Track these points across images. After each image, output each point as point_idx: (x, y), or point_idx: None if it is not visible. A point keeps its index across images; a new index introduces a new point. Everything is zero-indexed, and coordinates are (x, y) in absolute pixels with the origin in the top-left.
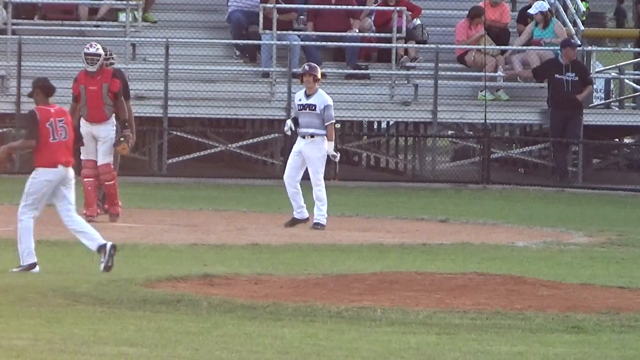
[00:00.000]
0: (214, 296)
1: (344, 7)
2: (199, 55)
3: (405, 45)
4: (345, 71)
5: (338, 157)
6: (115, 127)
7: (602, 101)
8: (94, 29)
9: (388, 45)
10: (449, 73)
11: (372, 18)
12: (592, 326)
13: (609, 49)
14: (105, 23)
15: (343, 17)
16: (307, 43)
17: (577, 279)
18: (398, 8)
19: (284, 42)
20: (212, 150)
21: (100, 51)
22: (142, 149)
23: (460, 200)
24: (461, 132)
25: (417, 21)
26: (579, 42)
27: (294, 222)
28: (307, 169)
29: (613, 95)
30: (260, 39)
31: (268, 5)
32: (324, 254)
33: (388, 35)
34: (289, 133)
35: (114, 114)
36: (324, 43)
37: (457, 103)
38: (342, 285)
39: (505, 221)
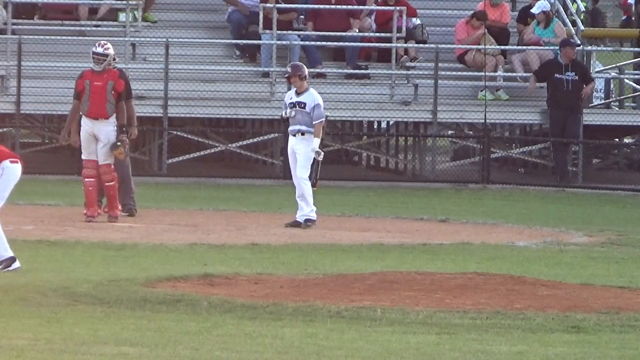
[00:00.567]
0: (214, 296)
1: (344, 7)
2: (199, 55)
3: (405, 45)
4: (345, 71)
5: (322, 156)
6: (115, 129)
7: (602, 101)
8: (94, 29)
9: (388, 45)
10: (449, 73)
11: (372, 18)
12: (592, 326)
13: (609, 49)
14: (105, 23)
15: (343, 17)
16: (307, 43)
17: (577, 279)
18: (398, 8)
19: (284, 42)
20: (212, 150)
21: (109, 52)
22: (142, 149)
23: (460, 200)
24: (461, 132)
25: (417, 21)
26: (578, 42)
27: (296, 223)
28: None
29: (613, 95)
30: (260, 39)
31: (268, 5)
32: (324, 254)
33: (388, 35)
34: (320, 155)
35: (114, 115)
36: (324, 43)
37: (457, 103)
38: (342, 285)
39: (505, 221)
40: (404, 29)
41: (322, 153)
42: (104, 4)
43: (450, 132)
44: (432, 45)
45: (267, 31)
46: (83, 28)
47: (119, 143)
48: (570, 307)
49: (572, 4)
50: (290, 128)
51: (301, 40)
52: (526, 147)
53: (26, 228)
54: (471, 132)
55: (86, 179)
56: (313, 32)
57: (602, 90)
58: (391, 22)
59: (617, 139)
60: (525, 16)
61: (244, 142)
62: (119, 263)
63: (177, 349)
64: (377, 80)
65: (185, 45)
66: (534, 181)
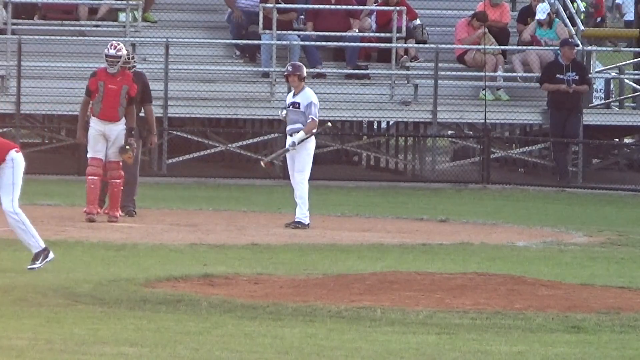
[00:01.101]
0: (214, 296)
1: (344, 7)
2: (199, 55)
3: (405, 45)
4: (345, 71)
5: (292, 149)
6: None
7: (602, 101)
8: (94, 29)
9: (388, 45)
10: (449, 73)
11: (372, 18)
12: (592, 326)
13: (609, 49)
14: (105, 23)
15: (343, 17)
16: (307, 43)
17: (577, 279)
18: (398, 8)
19: (284, 42)
20: (212, 150)
21: (121, 52)
22: (142, 149)
23: (460, 200)
24: (461, 132)
25: (417, 21)
26: (578, 42)
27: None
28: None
29: (613, 95)
30: (260, 39)
31: (268, 5)
32: (324, 254)
33: (388, 35)
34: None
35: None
36: (324, 43)
37: (457, 103)
38: (342, 285)
39: (505, 221)
40: (404, 29)
41: (295, 146)
42: (104, 4)
43: (450, 132)
44: (432, 45)
45: (267, 31)
46: (83, 28)
47: (127, 147)
48: (570, 307)
49: (572, 4)
50: (287, 128)
51: (301, 41)
52: (526, 147)
53: None
54: (471, 132)
55: (89, 177)
56: (313, 32)
57: (602, 90)
58: (391, 22)
59: (617, 139)
60: (525, 16)
61: (244, 142)
62: (119, 263)
63: (177, 349)
64: (377, 80)
65: (185, 45)
66: (534, 181)
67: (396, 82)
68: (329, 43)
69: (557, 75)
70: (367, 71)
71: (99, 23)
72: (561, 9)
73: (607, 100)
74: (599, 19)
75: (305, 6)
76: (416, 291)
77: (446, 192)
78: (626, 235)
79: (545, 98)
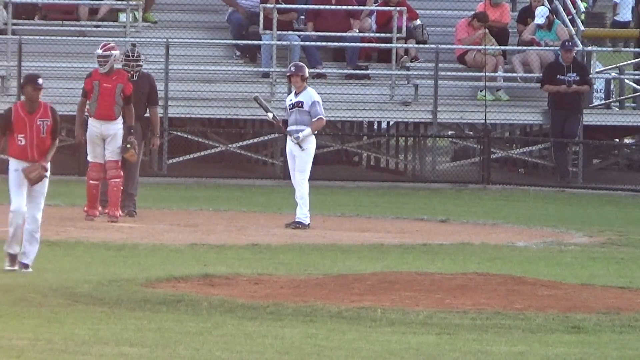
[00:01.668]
0: (214, 296)
1: (344, 7)
2: (199, 55)
3: (405, 45)
4: (345, 71)
5: (297, 139)
6: (122, 127)
7: (602, 101)
8: (94, 29)
9: (388, 45)
10: (449, 73)
11: (372, 18)
12: (592, 326)
13: (609, 49)
14: (105, 23)
15: (343, 17)
16: (307, 43)
17: (577, 279)
18: (398, 8)
19: (284, 42)
20: (212, 150)
21: (110, 52)
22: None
23: (460, 200)
24: (461, 132)
25: (417, 21)
26: (578, 44)
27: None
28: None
29: (613, 95)
30: (260, 39)
31: (268, 5)
32: (324, 254)
33: (388, 35)
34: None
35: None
36: (324, 43)
37: (457, 103)
38: (342, 285)
39: (505, 221)
40: (404, 29)
41: (299, 139)
42: (104, 4)
43: (450, 132)
44: (432, 46)
45: (267, 31)
46: (83, 28)
47: (128, 145)
48: (570, 307)
49: (573, 5)
50: (289, 129)
51: (301, 41)
52: (526, 148)
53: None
54: (471, 133)
55: (91, 181)
56: (313, 33)
57: (602, 91)
58: (391, 22)
59: (617, 139)
60: (525, 16)
61: (244, 143)
62: (119, 263)
63: (177, 349)
64: (377, 80)
65: (186, 46)
66: (534, 181)
67: (396, 82)
68: (329, 43)
69: (558, 76)
70: (367, 71)
71: (99, 23)
72: (561, 10)
73: (607, 101)
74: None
75: (305, 6)
76: (416, 291)
77: (446, 192)
78: (626, 235)
79: (545, 98)
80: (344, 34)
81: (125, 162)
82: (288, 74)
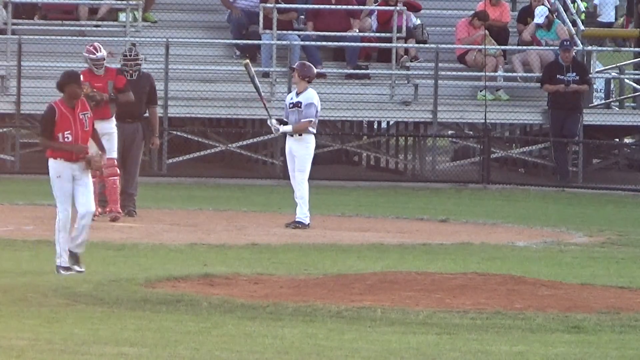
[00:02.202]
0: (214, 296)
1: (344, 7)
2: (199, 55)
3: (405, 45)
4: (345, 71)
5: (277, 131)
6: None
7: (602, 101)
8: (94, 29)
9: (388, 45)
10: (449, 73)
11: (372, 18)
12: (592, 326)
13: (609, 49)
14: (105, 23)
15: (343, 17)
16: (307, 43)
17: (577, 279)
18: (398, 8)
19: (284, 42)
20: (212, 150)
21: (103, 53)
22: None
23: (460, 200)
24: (461, 132)
25: (417, 21)
26: (578, 43)
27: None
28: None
29: (613, 95)
30: (260, 39)
31: (268, 5)
32: (324, 254)
33: (388, 35)
34: (277, 132)
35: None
36: (324, 43)
37: (457, 103)
38: (342, 285)
39: (505, 221)
40: (404, 29)
41: (278, 131)
42: (104, 4)
43: (450, 132)
44: (432, 45)
45: (267, 31)
46: (83, 28)
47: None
48: (570, 307)
49: (573, 4)
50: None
51: (301, 40)
52: (526, 147)
53: (26, 228)
54: (471, 132)
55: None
56: (313, 32)
57: (602, 90)
58: (392, 20)
59: (617, 139)
60: (525, 16)
61: (244, 142)
62: (119, 263)
63: (177, 349)
64: (377, 80)
65: (185, 45)
66: (534, 181)
67: (396, 82)
68: (329, 43)
69: (558, 76)
70: (367, 71)
71: (99, 23)
72: (561, 9)
73: (607, 100)
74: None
75: (305, 6)
76: (416, 291)
77: (446, 192)
78: (626, 235)
79: (545, 98)
80: (344, 34)
81: (125, 162)
82: (291, 66)
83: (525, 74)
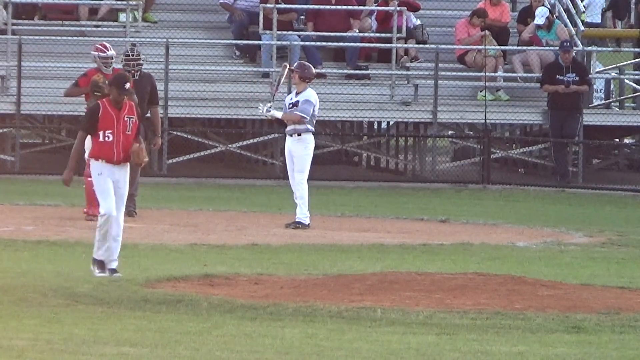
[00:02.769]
0: (214, 296)
1: (344, 7)
2: (199, 55)
3: (405, 45)
4: (345, 71)
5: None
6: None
7: (602, 101)
8: (94, 29)
9: (388, 45)
10: (449, 73)
11: (372, 18)
12: (592, 326)
13: (609, 49)
14: (105, 23)
15: (343, 17)
16: (307, 43)
17: (577, 279)
18: (398, 8)
19: (284, 42)
20: (212, 150)
21: (113, 52)
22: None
23: (460, 200)
24: (461, 132)
25: (417, 21)
26: (578, 44)
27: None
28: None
29: (613, 95)
30: (260, 39)
31: (268, 5)
32: (324, 254)
33: (388, 35)
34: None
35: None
36: (324, 43)
37: (457, 103)
38: (342, 285)
39: (505, 221)
40: (404, 29)
41: (269, 113)
42: (104, 4)
43: (450, 132)
44: (432, 46)
45: (267, 31)
46: (83, 28)
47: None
48: (570, 307)
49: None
50: (287, 128)
51: (301, 41)
52: (526, 148)
53: (26, 228)
54: (471, 133)
55: (88, 178)
56: (313, 33)
57: (602, 91)
58: (392, 20)
59: (617, 139)
60: (525, 16)
61: (244, 143)
62: (119, 263)
63: (177, 349)
64: (377, 80)
65: (186, 46)
66: (534, 181)
67: (396, 82)
68: (329, 43)
69: (557, 77)
70: (367, 71)
71: (99, 23)
72: (561, 9)
73: (607, 101)
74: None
75: (305, 6)
76: (416, 291)
77: (446, 192)
78: (626, 235)
79: (545, 98)
80: (344, 34)
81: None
82: (290, 68)
83: (525, 74)
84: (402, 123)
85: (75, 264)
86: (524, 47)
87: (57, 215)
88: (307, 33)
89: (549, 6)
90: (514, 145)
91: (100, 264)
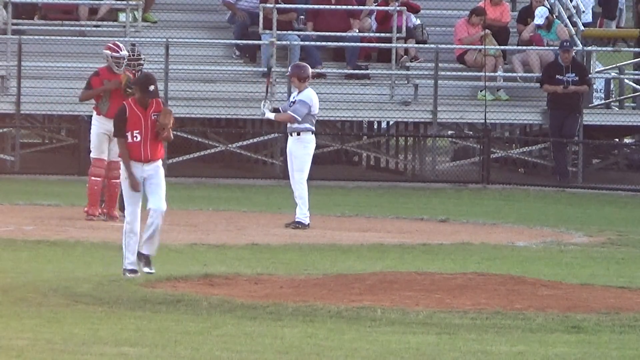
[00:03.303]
0: (214, 296)
1: (344, 7)
2: (199, 55)
3: (405, 45)
4: (345, 71)
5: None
6: None
7: (602, 101)
8: (94, 29)
9: (388, 45)
10: (449, 73)
11: (372, 17)
12: (592, 326)
13: (609, 49)
14: (105, 23)
15: (343, 17)
16: (307, 43)
17: (577, 279)
18: (398, 8)
19: (284, 42)
20: (212, 150)
21: (125, 52)
22: None
23: (460, 200)
24: (461, 132)
25: (417, 21)
26: (577, 44)
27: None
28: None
29: (613, 95)
30: (260, 39)
31: (268, 5)
32: (324, 254)
33: (388, 35)
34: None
35: None
36: (324, 43)
37: (457, 103)
38: (342, 285)
39: (505, 221)
40: (404, 29)
41: (264, 115)
42: (104, 4)
43: (450, 132)
44: (432, 45)
45: (267, 31)
46: (83, 28)
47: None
48: (570, 307)
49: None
50: (288, 127)
51: (301, 41)
52: (526, 147)
53: (26, 228)
54: (471, 132)
55: (92, 177)
56: (313, 32)
57: (602, 91)
58: (391, 19)
59: (617, 139)
60: (525, 16)
61: (244, 142)
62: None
63: (177, 349)
64: (377, 80)
65: (186, 46)
66: (534, 181)
67: (396, 82)
68: (329, 43)
69: (557, 76)
70: (367, 71)
71: (99, 23)
72: (561, 9)
73: (607, 101)
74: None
75: (305, 6)
76: (416, 291)
77: (446, 192)
78: (626, 235)
79: (545, 98)
80: (343, 34)
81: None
82: (287, 74)
83: (525, 74)
84: (402, 123)
85: (75, 264)
86: (524, 47)
87: (57, 215)
88: (307, 33)
89: (548, 6)
90: (513, 145)
91: (147, 260)
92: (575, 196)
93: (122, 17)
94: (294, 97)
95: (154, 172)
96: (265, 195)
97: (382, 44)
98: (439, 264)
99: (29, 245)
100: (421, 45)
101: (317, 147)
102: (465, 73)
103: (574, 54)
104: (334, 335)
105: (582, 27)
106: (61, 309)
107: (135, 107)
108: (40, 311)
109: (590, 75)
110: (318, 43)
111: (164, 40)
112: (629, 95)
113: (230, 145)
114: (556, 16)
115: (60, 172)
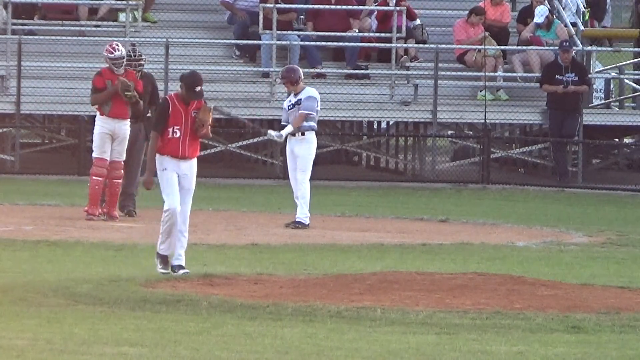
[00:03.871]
0: (214, 296)
1: (344, 7)
2: (199, 55)
3: (405, 45)
4: (345, 71)
5: (279, 137)
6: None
7: (602, 101)
8: (94, 29)
9: (388, 45)
10: (448, 73)
11: (372, 17)
12: (592, 326)
13: (609, 49)
14: (105, 23)
15: (343, 17)
16: (307, 43)
17: (577, 279)
18: (398, 8)
19: (284, 42)
20: (212, 150)
21: (122, 52)
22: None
23: (460, 200)
24: (461, 132)
25: (417, 21)
26: (577, 44)
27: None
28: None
29: (613, 95)
30: (260, 39)
31: (268, 5)
32: (324, 254)
33: (388, 35)
34: (281, 138)
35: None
36: (324, 43)
37: (457, 103)
38: (342, 285)
39: (505, 221)
40: (404, 29)
41: (282, 137)
42: (104, 4)
43: (450, 132)
44: (432, 45)
45: (267, 31)
46: (83, 28)
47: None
48: (570, 307)
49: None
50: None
51: (301, 41)
52: (526, 147)
53: (26, 228)
54: (471, 132)
55: (94, 177)
56: (313, 32)
57: (602, 91)
58: (391, 20)
59: (617, 139)
60: (525, 16)
61: (244, 142)
62: (119, 263)
63: (177, 349)
64: (377, 80)
65: (185, 46)
66: (534, 181)
67: (396, 82)
68: (329, 43)
69: (557, 76)
70: (367, 71)
71: (99, 23)
72: (561, 9)
73: (607, 101)
74: None
75: (305, 6)
76: (416, 291)
77: (446, 192)
78: (626, 235)
79: (544, 98)
80: (343, 34)
81: (127, 162)
82: (280, 82)
83: (524, 74)
84: (401, 123)
85: (75, 264)
86: (524, 47)
87: (57, 215)
88: (307, 33)
89: (548, 6)
90: (513, 145)
91: (164, 259)
92: (575, 196)
93: (122, 17)
94: (290, 100)
95: (189, 173)
96: (265, 195)
97: (382, 44)
98: (439, 264)
99: (28, 245)
100: (421, 45)
101: (317, 147)
102: (465, 73)
103: (573, 54)
104: (334, 335)
105: (582, 27)
106: (61, 309)
107: (178, 103)
108: (40, 311)
109: (590, 75)
110: (318, 43)
111: (164, 40)
112: (629, 95)
113: (230, 145)
114: (556, 16)
115: (60, 172)
